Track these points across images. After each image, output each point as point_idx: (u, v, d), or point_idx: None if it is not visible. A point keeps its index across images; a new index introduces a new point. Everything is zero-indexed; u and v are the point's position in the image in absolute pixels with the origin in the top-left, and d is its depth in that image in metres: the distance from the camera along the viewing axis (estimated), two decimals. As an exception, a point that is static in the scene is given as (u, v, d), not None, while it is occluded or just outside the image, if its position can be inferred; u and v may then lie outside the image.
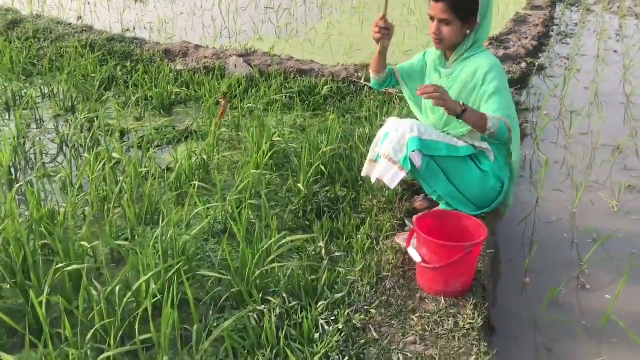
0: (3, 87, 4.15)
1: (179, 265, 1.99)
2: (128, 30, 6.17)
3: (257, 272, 2.04)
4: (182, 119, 3.85)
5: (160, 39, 5.65)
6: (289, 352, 1.74)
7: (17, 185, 2.68)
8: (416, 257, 2.04)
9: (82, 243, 2.17)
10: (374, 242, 2.36)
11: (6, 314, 1.86)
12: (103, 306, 1.84)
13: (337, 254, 2.32)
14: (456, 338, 1.84)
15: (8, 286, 2.07)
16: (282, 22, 6.58)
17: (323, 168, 2.86)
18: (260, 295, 2.00)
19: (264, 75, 4.44)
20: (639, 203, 2.95)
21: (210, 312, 1.99)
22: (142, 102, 3.96)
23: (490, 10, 2.33)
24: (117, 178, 2.79)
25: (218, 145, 3.25)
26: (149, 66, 4.61)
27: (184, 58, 4.82)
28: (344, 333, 1.84)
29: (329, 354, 1.76)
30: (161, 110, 3.96)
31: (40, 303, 1.79)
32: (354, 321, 1.90)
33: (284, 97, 4.03)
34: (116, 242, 2.26)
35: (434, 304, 2.00)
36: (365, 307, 1.97)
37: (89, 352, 1.75)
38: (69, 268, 1.99)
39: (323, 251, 2.32)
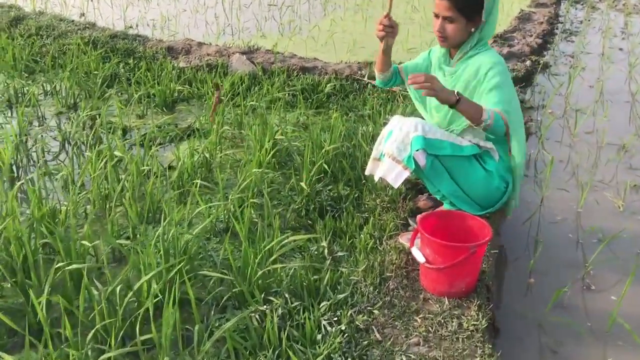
0: (5, 84, 4.14)
1: (180, 265, 1.98)
2: (131, 27, 6.15)
3: (260, 272, 2.02)
4: (184, 116, 3.83)
5: (163, 36, 5.63)
6: (291, 354, 1.72)
7: (18, 184, 2.67)
8: (420, 257, 2.02)
9: (83, 242, 2.16)
10: (377, 242, 2.34)
11: (6, 314, 1.85)
12: (104, 306, 1.83)
13: (339, 253, 2.30)
14: (460, 339, 1.82)
15: (9, 285, 2.06)
16: (285, 19, 6.55)
17: (326, 166, 2.84)
18: (262, 295, 1.98)
19: (267, 72, 4.41)
20: (645, 203, 2.93)
21: (212, 312, 1.98)
22: (144, 100, 3.95)
23: (496, 7, 2.30)
24: (119, 176, 2.78)
25: (220, 143, 3.23)
26: (151, 63, 4.59)
27: (186, 55, 4.80)
28: (346, 334, 1.82)
29: (332, 355, 1.74)
30: (163, 108, 3.95)
31: (41, 303, 1.78)
32: (357, 322, 1.88)
33: (286, 94, 4.01)
34: (117, 241, 2.25)
35: (437, 305, 1.98)
36: (368, 308, 1.95)
37: (89, 353, 1.74)
38: (69, 267, 1.98)
39: (326, 251, 2.30)
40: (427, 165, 2.19)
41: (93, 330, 1.77)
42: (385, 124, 2.75)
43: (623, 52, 5.57)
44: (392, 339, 1.82)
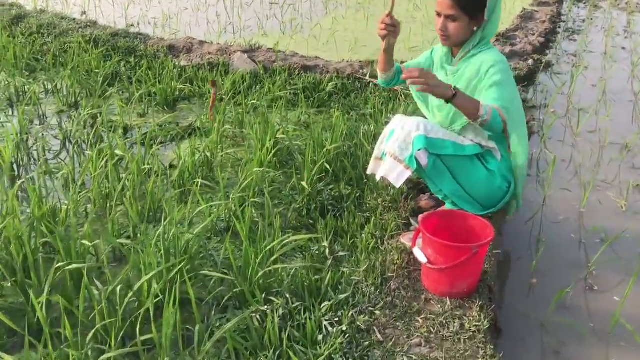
0: (6, 83, 4.13)
1: (181, 265, 1.97)
2: (132, 25, 6.14)
3: (261, 272, 2.01)
4: (185, 115, 3.82)
5: (164, 35, 5.62)
6: (291, 354, 1.71)
7: (18, 182, 2.66)
8: (422, 257, 2.01)
9: (84, 242, 2.15)
10: (379, 241, 2.33)
11: (6, 313, 1.84)
12: (104, 306, 1.82)
13: (341, 253, 2.29)
14: (462, 340, 1.81)
15: (9, 285, 2.05)
16: (286, 17, 6.54)
17: (327, 166, 2.83)
18: (263, 295, 1.97)
19: (269, 71, 4.40)
20: (648, 203, 2.92)
21: (213, 312, 1.97)
22: (145, 98, 3.94)
23: (499, 6, 2.29)
24: (120, 175, 2.77)
25: (221, 142, 3.22)
26: (152, 62, 4.59)
27: (188, 54, 4.80)
28: (347, 335, 1.81)
29: (333, 356, 1.73)
30: (165, 107, 3.94)
31: (41, 303, 1.77)
32: (358, 322, 1.87)
33: (288, 93, 4.00)
34: (118, 240, 2.24)
35: (439, 306, 1.97)
36: (370, 309, 1.94)
37: (89, 353, 1.73)
38: (69, 267, 1.97)
39: (327, 251, 2.29)
40: (429, 165, 2.18)
41: (93, 331, 1.76)
42: (387, 123, 2.74)
43: (626, 51, 5.55)
44: (393, 340, 1.81)
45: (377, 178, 2.34)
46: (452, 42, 2.31)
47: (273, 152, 2.93)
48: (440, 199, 2.43)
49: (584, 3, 7.83)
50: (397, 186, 2.23)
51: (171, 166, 3.05)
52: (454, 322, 1.88)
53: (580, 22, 6.82)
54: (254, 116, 3.58)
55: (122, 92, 4.16)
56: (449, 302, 1.97)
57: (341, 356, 1.73)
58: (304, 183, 2.67)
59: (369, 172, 2.43)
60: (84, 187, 2.73)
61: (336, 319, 1.88)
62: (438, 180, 2.27)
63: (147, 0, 7.41)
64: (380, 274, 2.10)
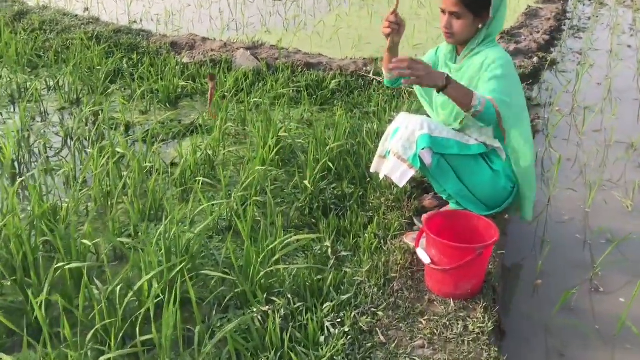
0: (8, 79, 4.12)
1: (182, 264, 1.95)
2: (135, 22, 6.12)
3: (262, 272, 1.99)
4: (187, 112, 3.80)
5: (167, 31, 5.59)
6: (293, 356, 1.69)
7: (19, 180, 2.64)
8: (425, 258, 1.99)
9: (84, 241, 2.13)
10: (382, 241, 2.30)
11: (5, 313, 1.82)
12: (104, 306, 1.80)
13: (343, 253, 2.27)
14: (466, 342, 1.79)
15: (8, 283, 2.03)
16: (290, 14, 6.51)
17: (330, 164, 2.80)
18: (265, 295, 1.95)
19: (271, 68, 4.38)
20: (654, 203, 2.89)
21: (214, 312, 1.95)
22: (147, 96, 3.92)
23: (504, 3, 2.26)
24: (121, 173, 2.75)
25: (223, 140, 3.20)
26: (155, 59, 4.57)
27: (190, 51, 4.77)
28: (350, 336, 1.79)
29: (335, 357, 1.71)
30: (167, 104, 3.91)
31: (40, 303, 1.75)
32: (361, 324, 1.85)
33: (291, 91, 3.97)
34: (119, 239, 2.22)
35: (443, 307, 1.95)
36: (372, 309, 1.92)
37: (88, 353, 1.72)
38: (69, 266, 1.95)
39: (329, 250, 2.27)
40: (433, 164, 2.16)
41: (93, 331, 1.75)
42: (390, 121, 2.71)
43: (631, 49, 5.50)
44: (396, 341, 1.79)
45: (381, 177, 2.32)
46: (457, 40, 2.29)
47: (275, 150, 2.90)
48: (444, 198, 2.41)
49: (590, 0, 7.78)
50: (401, 185, 2.20)
51: (173, 164, 3.03)
52: (458, 324, 1.86)
53: (585, 19, 6.77)
54: (256, 114, 3.56)
55: (124, 89, 4.14)
56: (452, 304, 1.95)
57: (343, 358, 1.71)
58: (306, 182, 2.64)
59: (372, 170, 2.41)
60: (84, 185, 2.72)
61: (338, 320, 1.86)
62: (442, 180, 2.24)
63: (150, -3, 7.38)
64: (383, 274, 2.07)
